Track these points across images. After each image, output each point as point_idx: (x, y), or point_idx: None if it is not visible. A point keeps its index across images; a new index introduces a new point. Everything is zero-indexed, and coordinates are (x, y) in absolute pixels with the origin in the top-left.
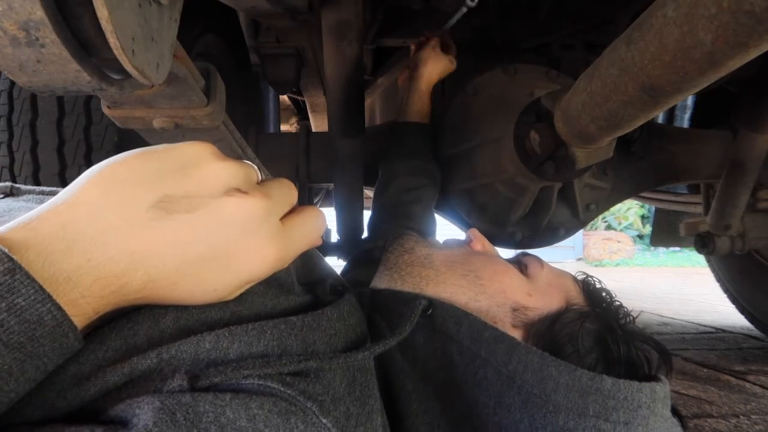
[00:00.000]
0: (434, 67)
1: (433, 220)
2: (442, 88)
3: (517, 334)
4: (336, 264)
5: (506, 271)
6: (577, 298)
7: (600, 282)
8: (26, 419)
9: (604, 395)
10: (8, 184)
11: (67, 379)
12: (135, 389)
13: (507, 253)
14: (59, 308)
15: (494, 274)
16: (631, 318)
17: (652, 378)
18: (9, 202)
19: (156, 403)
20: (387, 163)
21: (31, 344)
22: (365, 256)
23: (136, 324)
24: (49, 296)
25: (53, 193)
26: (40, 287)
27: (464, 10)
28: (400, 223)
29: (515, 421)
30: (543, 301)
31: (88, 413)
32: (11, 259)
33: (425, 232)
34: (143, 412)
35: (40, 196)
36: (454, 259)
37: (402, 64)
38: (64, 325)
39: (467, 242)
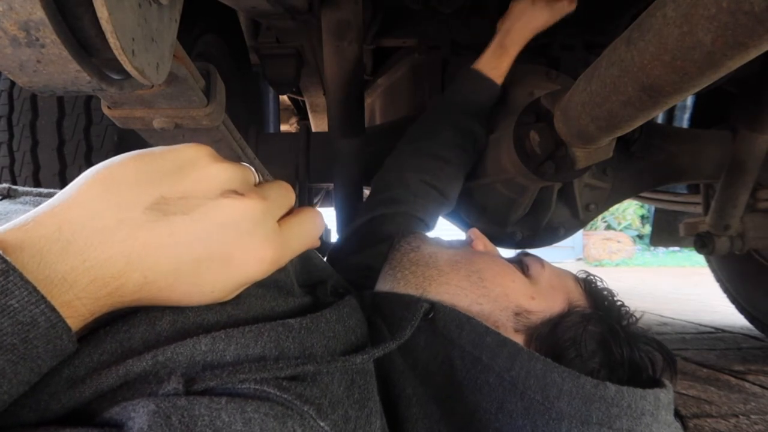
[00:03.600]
0: (527, 22)
1: (458, 185)
2: (442, 86)
3: (519, 339)
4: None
5: (509, 273)
6: (579, 299)
7: (601, 280)
8: (21, 421)
9: (607, 403)
10: (5, 186)
11: (61, 381)
12: (130, 392)
13: (507, 253)
14: (53, 310)
15: (497, 276)
16: (634, 319)
17: (655, 382)
18: (6, 204)
19: (151, 406)
20: (435, 104)
21: (24, 346)
22: (370, 232)
23: (132, 327)
24: (43, 298)
25: (50, 195)
26: (34, 288)
27: None
28: (420, 177)
29: (517, 428)
30: (545, 304)
31: (82, 415)
32: (5, 261)
33: (444, 193)
34: (138, 414)
35: (38, 198)
36: (458, 259)
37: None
38: (58, 326)
39: (468, 242)
